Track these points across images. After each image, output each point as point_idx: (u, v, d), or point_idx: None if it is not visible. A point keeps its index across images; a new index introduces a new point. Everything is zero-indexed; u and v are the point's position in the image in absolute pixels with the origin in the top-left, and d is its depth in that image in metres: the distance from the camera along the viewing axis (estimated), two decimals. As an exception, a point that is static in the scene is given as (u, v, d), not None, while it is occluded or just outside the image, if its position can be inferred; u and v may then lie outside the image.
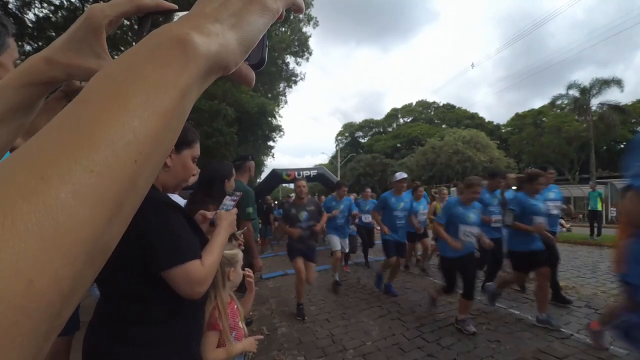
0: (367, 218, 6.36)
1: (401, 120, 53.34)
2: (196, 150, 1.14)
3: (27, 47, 8.36)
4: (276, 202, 14.63)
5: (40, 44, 8.38)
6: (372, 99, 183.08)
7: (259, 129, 16.05)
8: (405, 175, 4.77)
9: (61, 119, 0.18)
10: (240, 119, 14.23)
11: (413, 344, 3.10)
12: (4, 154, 0.44)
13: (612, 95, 24.93)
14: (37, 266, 0.14)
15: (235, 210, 1.27)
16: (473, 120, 44.39)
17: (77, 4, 8.44)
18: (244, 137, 15.09)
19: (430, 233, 5.86)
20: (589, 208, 10.74)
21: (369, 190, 6.82)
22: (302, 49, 17.16)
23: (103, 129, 0.18)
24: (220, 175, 2.14)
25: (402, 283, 5.21)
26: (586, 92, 25.11)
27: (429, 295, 3.99)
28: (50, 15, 8.45)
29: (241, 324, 1.42)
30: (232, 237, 1.23)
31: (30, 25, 8.32)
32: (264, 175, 16.32)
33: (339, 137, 57.80)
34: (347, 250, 5.97)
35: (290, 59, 17.36)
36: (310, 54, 17.47)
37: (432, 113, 51.63)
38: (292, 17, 15.11)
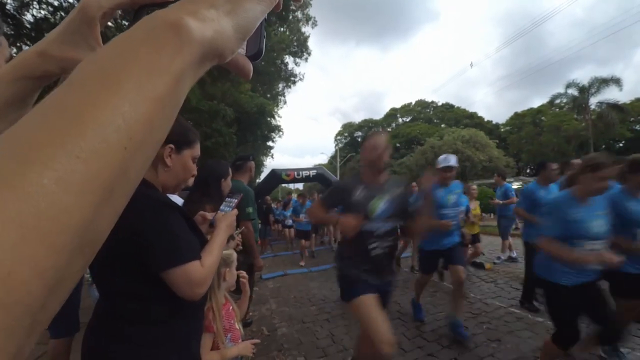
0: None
1: (400, 120, 53.48)
2: (196, 150, 1.14)
3: (26, 48, 8.34)
4: (279, 201, 14.26)
5: (38, 44, 8.34)
6: (372, 99, 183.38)
7: (258, 129, 16.06)
8: (452, 162, 3.28)
9: (47, 103, 0.18)
10: (240, 119, 14.24)
11: (413, 343, 3.10)
12: None
13: (611, 94, 25.02)
14: (17, 256, 0.14)
15: (235, 211, 1.27)
16: (472, 120, 44.46)
17: (77, 5, 8.43)
18: (243, 137, 15.10)
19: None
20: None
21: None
22: (301, 49, 17.16)
23: (90, 113, 0.17)
24: (216, 175, 2.13)
25: (403, 283, 5.21)
26: (585, 91, 25.18)
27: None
28: (49, 16, 8.43)
29: (237, 325, 1.42)
30: (230, 237, 1.23)
31: (28, 26, 8.30)
32: (263, 176, 16.34)
33: (338, 137, 57.94)
34: None
35: (289, 59, 17.38)
36: (309, 54, 17.49)
37: (431, 113, 51.74)
38: (291, 17, 15.12)
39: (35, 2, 8.26)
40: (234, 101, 13.89)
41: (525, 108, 37.17)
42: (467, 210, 4.76)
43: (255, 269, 3.01)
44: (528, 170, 34.15)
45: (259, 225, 8.35)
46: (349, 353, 2.96)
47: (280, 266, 6.93)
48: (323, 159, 51.07)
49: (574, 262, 1.93)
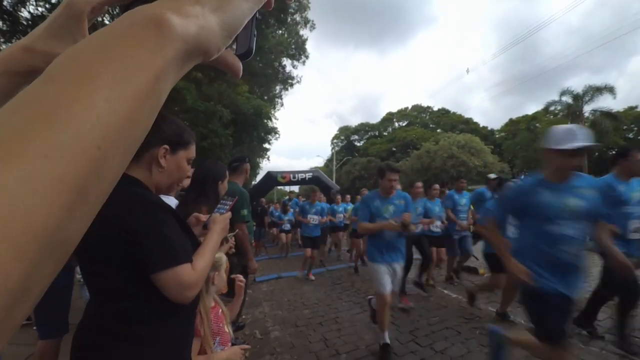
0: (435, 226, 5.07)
1: (397, 124, 53.71)
2: (192, 151, 1.12)
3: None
4: (278, 203, 13.28)
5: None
6: (369, 103, 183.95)
7: (255, 131, 16.03)
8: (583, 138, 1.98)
9: (18, 99, 0.17)
10: (236, 120, 14.21)
11: (406, 348, 3.09)
12: None
13: (605, 102, 25.26)
14: None
15: (228, 214, 1.26)
16: (468, 125, 44.77)
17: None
18: (239, 138, 15.06)
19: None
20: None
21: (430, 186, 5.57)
22: (298, 52, 17.18)
23: (62, 110, 0.16)
24: (213, 176, 2.12)
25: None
26: (579, 98, 25.43)
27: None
28: (46, 13, 8.37)
29: (227, 328, 1.40)
30: (224, 240, 1.22)
31: (24, 22, 8.24)
32: (259, 178, 16.30)
33: (335, 140, 58.01)
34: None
35: (287, 62, 17.39)
36: (307, 57, 17.50)
37: (427, 117, 52.07)
38: (289, 19, 15.16)
39: (32, -1, 8.21)
40: (230, 102, 13.86)
41: (520, 114, 37.69)
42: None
43: (249, 272, 2.99)
44: (522, 177, 34.37)
45: (254, 228, 8.32)
46: (342, 357, 2.95)
47: (274, 269, 6.90)
48: (319, 162, 51.10)
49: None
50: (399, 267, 3.18)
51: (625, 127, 29.13)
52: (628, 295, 2.79)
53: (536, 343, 1.97)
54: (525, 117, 35.58)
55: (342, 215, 7.85)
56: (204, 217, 1.37)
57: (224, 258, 1.43)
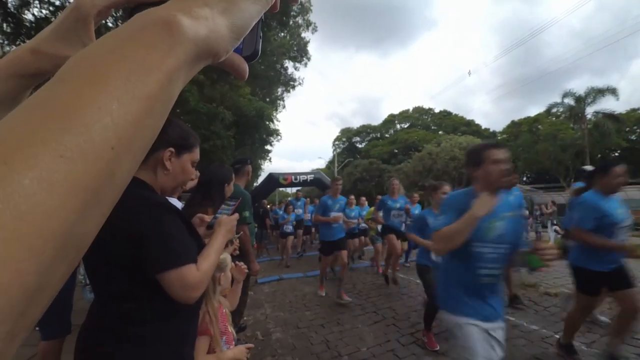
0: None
1: (398, 126, 53.58)
2: (196, 154, 1.14)
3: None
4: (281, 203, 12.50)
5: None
6: (370, 105, 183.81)
7: (257, 133, 16.05)
8: None
9: (33, 100, 0.17)
10: (238, 122, 14.24)
11: (408, 350, 3.09)
12: None
13: (607, 104, 25.29)
14: None
15: (235, 215, 1.26)
16: (469, 127, 44.71)
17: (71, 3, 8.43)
18: (241, 140, 15.07)
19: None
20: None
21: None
22: (300, 54, 17.21)
23: (77, 111, 0.16)
24: (219, 179, 2.14)
25: (398, 289, 5.20)
26: (581, 100, 25.39)
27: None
28: (50, 15, 8.43)
29: (230, 329, 1.41)
30: (229, 242, 1.22)
31: (27, 25, 8.30)
32: (260, 179, 16.32)
33: (337, 142, 57.93)
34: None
35: (288, 64, 17.42)
36: (308, 59, 17.52)
37: (429, 119, 51.97)
38: (291, 22, 15.19)
39: (36, 1, 8.26)
40: (232, 104, 13.89)
41: (522, 116, 37.62)
42: None
43: (251, 273, 2.99)
44: (524, 179, 34.31)
45: (255, 229, 8.31)
46: (344, 359, 2.95)
47: (276, 270, 6.90)
48: (321, 164, 50.90)
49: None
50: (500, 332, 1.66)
51: (627, 129, 29.05)
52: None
53: None
54: (527, 119, 35.53)
55: (356, 221, 6.69)
56: (207, 218, 1.37)
57: (229, 258, 1.44)
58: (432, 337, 3.15)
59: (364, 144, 54.45)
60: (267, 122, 16.41)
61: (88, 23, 0.38)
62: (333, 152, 51.26)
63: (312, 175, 13.16)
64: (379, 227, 6.12)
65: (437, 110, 52.88)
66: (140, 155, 0.21)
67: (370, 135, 55.44)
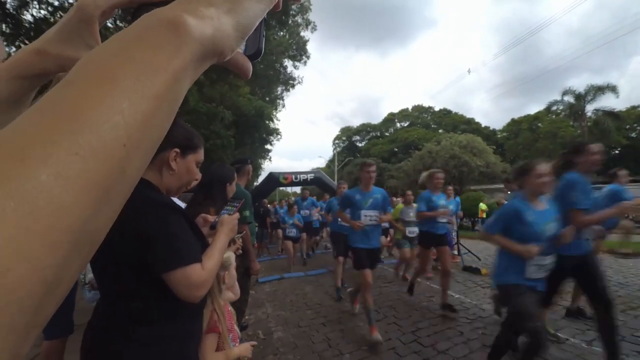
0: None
1: (398, 125, 53.57)
2: (200, 155, 1.16)
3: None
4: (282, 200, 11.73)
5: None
6: (370, 104, 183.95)
7: (257, 132, 16.07)
8: None
9: (45, 101, 0.17)
10: (238, 122, 14.26)
11: (409, 348, 3.10)
12: None
13: (607, 102, 25.28)
14: (15, 254, 0.13)
15: (236, 215, 1.28)
16: (469, 126, 44.64)
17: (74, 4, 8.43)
18: (241, 140, 15.09)
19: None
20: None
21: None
22: (300, 52, 17.21)
23: (89, 111, 0.17)
24: (221, 179, 2.14)
25: (399, 287, 5.20)
26: (581, 98, 25.40)
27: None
28: (49, 16, 8.43)
29: (235, 327, 1.42)
30: (231, 241, 1.24)
31: (27, 25, 8.29)
32: (260, 179, 16.32)
33: (337, 141, 57.97)
34: None
35: (288, 63, 17.42)
36: (308, 57, 17.52)
37: (429, 118, 51.93)
38: (290, 21, 15.18)
39: (35, 2, 8.26)
40: (232, 104, 13.91)
41: (522, 114, 37.57)
42: None
43: (252, 273, 3.00)
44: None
45: (256, 229, 8.29)
46: (345, 357, 2.95)
47: (277, 270, 6.90)
48: (321, 163, 50.92)
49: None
50: None
51: (627, 126, 29.05)
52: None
53: None
54: (527, 117, 35.47)
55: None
56: (211, 218, 1.39)
57: (233, 257, 1.45)
58: None
59: (364, 143, 54.48)
60: (267, 122, 16.43)
61: (92, 24, 0.39)
62: (333, 151, 51.34)
63: (313, 175, 13.12)
64: (412, 230, 5.28)
65: (436, 109, 52.89)
66: (149, 154, 0.21)
67: (370, 134, 55.45)
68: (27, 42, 8.20)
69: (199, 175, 1.19)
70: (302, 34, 16.90)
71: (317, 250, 9.48)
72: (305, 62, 17.65)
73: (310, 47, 17.56)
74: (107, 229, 0.19)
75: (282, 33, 15.64)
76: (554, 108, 28.39)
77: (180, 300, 0.92)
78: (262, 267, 3.53)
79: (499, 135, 41.32)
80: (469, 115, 51.80)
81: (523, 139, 31.56)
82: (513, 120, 38.48)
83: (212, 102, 12.64)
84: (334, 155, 38.76)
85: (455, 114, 50.10)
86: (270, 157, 20.96)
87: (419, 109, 53.48)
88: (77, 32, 0.39)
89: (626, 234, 3.76)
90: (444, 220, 4.36)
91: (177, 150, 1.06)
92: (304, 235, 7.84)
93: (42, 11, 8.51)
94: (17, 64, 0.40)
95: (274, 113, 17.85)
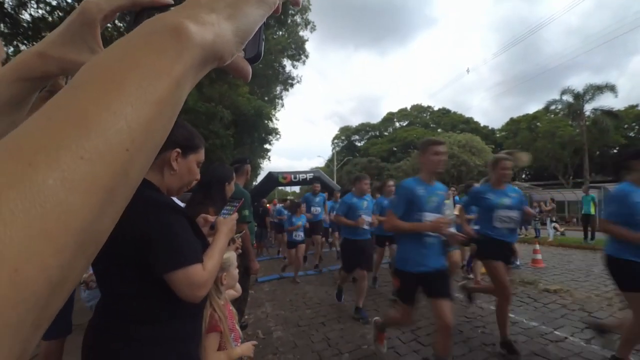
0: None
1: (397, 124, 53.65)
2: (201, 155, 1.17)
3: (22, 47, 8.31)
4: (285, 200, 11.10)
5: (35, 44, 8.28)
6: (369, 103, 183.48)
7: (256, 132, 16.06)
8: None
9: (51, 106, 0.18)
10: (237, 121, 14.24)
11: (409, 347, 3.10)
12: None
13: (606, 101, 25.30)
14: (23, 254, 0.14)
15: (235, 215, 1.29)
16: (468, 125, 44.74)
17: (75, 5, 8.41)
18: (240, 139, 15.07)
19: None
20: (583, 212, 10.89)
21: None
22: (298, 52, 17.20)
23: (94, 116, 0.17)
24: (220, 178, 2.15)
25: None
26: (580, 97, 25.46)
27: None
28: (47, 15, 8.40)
29: (237, 326, 1.43)
30: (230, 240, 1.24)
31: (24, 25, 8.27)
32: (259, 178, 16.31)
33: (336, 141, 58.00)
34: None
35: (286, 62, 17.41)
36: (306, 56, 17.50)
37: (428, 117, 52.01)
38: (289, 21, 15.16)
39: (33, 2, 8.23)
40: (231, 103, 13.89)
41: (521, 114, 37.54)
42: None
43: (251, 272, 3.00)
44: (523, 176, 34.39)
45: (255, 228, 8.27)
46: (344, 357, 2.95)
47: (276, 269, 6.90)
48: (320, 162, 50.92)
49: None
50: None
51: (626, 125, 29.12)
52: None
53: None
54: (526, 116, 35.54)
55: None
56: (211, 218, 1.39)
57: (234, 257, 1.45)
58: None
59: (363, 142, 54.54)
60: (266, 121, 16.42)
61: (94, 27, 0.39)
62: (332, 150, 51.19)
63: (312, 174, 13.14)
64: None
65: (435, 108, 53.03)
66: (151, 156, 0.22)
67: (369, 133, 55.49)
68: (25, 42, 8.19)
69: (199, 175, 1.19)
70: (301, 33, 16.91)
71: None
72: (304, 62, 17.65)
73: (309, 46, 17.64)
74: (110, 229, 0.20)
75: (281, 32, 15.63)
76: (553, 107, 28.49)
77: (181, 301, 0.92)
78: (261, 267, 3.53)
79: (497, 135, 41.43)
80: (468, 115, 51.86)
81: (522, 139, 31.60)
82: (512, 119, 38.60)
83: (211, 102, 12.62)
84: (333, 154, 38.73)
85: (454, 113, 50.20)
86: (270, 157, 20.95)
87: (418, 108, 53.57)
88: (79, 35, 0.40)
89: None
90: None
91: (179, 150, 1.07)
92: (318, 237, 6.83)
93: (40, 10, 8.48)
94: (19, 66, 0.41)
95: (273, 112, 17.84)
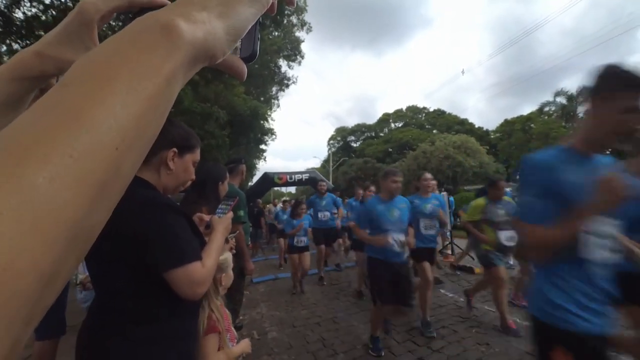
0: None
1: (393, 125, 53.73)
2: (197, 154, 1.18)
3: (16, 46, 8.23)
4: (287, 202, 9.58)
5: (28, 42, 8.24)
6: (365, 104, 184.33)
7: (251, 132, 15.99)
8: None
9: (41, 104, 0.18)
10: (233, 122, 14.18)
11: (404, 347, 3.11)
12: None
13: (599, 103, 25.51)
14: (15, 249, 0.14)
15: (230, 214, 1.31)
16: (463, 126, 44.93)
17: (69, 3, 8.34)
18: (235, 140, 15.01)
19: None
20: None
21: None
22: (294, 52, 17.20)
23: (84, 113, 0.18)
24: (213, 178, 2.15)
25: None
26: (573, 99, 25.69)
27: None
28: (40, 14, 8.32)
29: (232, 327, 1.43)
30: (224, 240, 1.25)
31: (18, 23, 8.18)
32: (255, 179, 16.28)
33: (331, 141, 57.95)
34: None
35: (282, 63, 17.40)
36: (302, 57, 17.51)
37: (423, 118, 52.16)
38: (285, 21, 15.16)
39: (26, 0, 8.15)
40: (227, 104, 13.83)
41: (515, 115, 37.77)
42: None
43: (246, 273, 3.00)
44: (517, 177, 34.60)
45: (250, 229, 8.21)
46: (340, 357, 2.96)
47: (271, 270, 6.90)
48: (316, 163, 51.07)
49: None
50: None
51: (618, 127, 29.42)
52: None
53: None
54: (520, 117, 35.77)
55: None
56: (206, 217, 1.39)
57: (231, 258, 1.46)
58: None
59: (358, 143, 54.51)
60: (262, 122, 16.36)
61: (91, 27, 0.40)
62: (328, 151, 51.31)
63: (307, 175, 13.14)
64: (509, 235, 3.47)
65: (431, 109, 53.12)
66: (142, 153, 0.22)
67: (365, 134, 55.52)
68: (18, 40, 8.11)
69: (194, 175, 1.20)
70: (297, 34, 16.91)
71: (328, 267, 6.74)
72: (299, 62, 17.66)
73: (305, 47, 17.62)
74: (102, 224, 0.20)
75: (276, 33, 15.61)
76: (547, 109, 28.76)
77: (178, 299, 0.92)
78: (256, 268, 3.52)
79: (492, 136, 41.65)
80: (463, 115, 52.33)
81: (516, 140, 31.84)
82: (506, 120, 38.82)
83: (207, 102, 12.55)
84: (328, 155, 38.79)
85: (449, 114, 50.40)
86: (265, 157, 20.89)
87: (413, 109, 53.70)
88: (76, 35, 0.40)
89: None
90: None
91: (175, 150, 1.08)
92: (322, 247, 5.88)
93: (34, 9, 8.40)
94: (16, 65, 0.41)
95: (269, 113, 17.78)
